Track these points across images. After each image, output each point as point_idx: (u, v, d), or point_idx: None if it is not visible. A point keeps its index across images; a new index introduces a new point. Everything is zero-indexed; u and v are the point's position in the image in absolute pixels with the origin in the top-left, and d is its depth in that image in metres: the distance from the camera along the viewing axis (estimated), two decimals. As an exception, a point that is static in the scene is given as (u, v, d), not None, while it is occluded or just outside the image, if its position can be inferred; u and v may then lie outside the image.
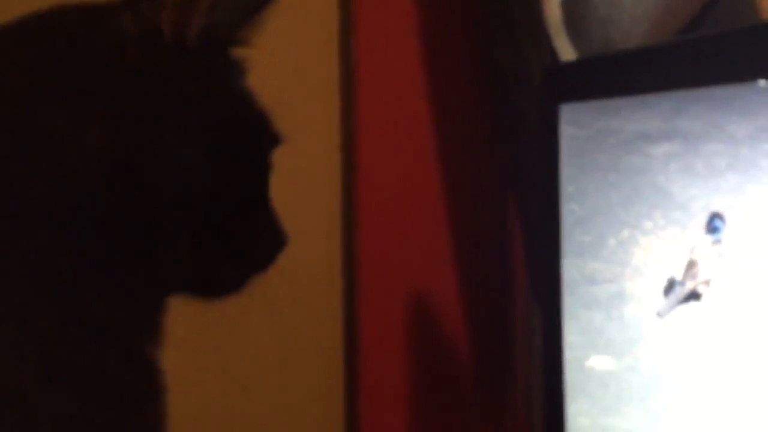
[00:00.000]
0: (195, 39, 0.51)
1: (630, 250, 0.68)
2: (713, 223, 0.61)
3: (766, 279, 0.58)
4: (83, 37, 0.50)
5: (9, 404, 0.45)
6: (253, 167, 0.55)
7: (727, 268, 0.61)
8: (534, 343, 1.08)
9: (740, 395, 0.60)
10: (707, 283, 0.62)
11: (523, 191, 1.02)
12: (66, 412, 0.47)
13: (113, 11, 0.51)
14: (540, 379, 1.02)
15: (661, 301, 0.65)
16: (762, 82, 0.58)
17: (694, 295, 0.63)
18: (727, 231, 0.61)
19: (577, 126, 0.72)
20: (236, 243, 0.54)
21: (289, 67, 0.94)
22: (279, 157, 0.56)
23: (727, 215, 0.61)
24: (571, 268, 0.73)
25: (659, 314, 0.65)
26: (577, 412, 0.72)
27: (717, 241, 0.61)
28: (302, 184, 0.96)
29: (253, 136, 0.54)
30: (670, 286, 0.65)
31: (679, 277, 0.64)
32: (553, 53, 0.91)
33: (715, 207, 0.62)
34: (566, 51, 0.91)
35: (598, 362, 0.70)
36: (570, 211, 0.73)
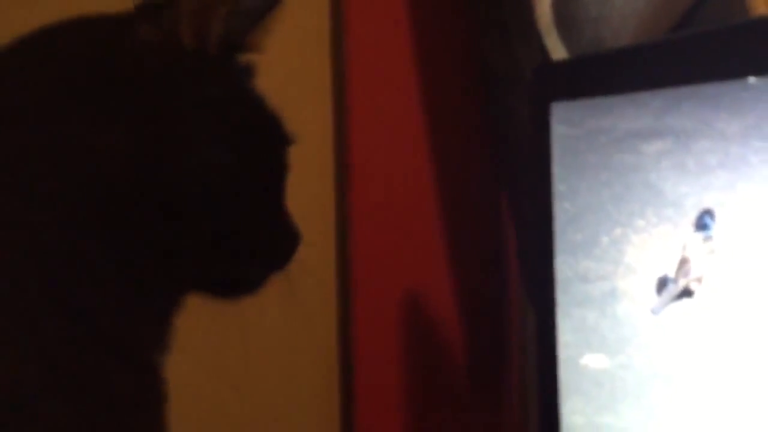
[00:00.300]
0: (214, 46, 0.52)
1: (622, 248, 0.68)
2: (703, 220, 0.62)
3: (758, 275, 0.58)
4: (105, 49, 0.51)
5: (12, 412, 0.45)
6: (272, 167, 0.56)
7: (719, 264, 0.61)
8: (528, 342, 1.08)
9: (735, 392, 0.60)
10: (699, 280, 0.62)
11: (515, 190, 1.02)
12: (68, 420, 0.47)
13: (131, 22, 0.52)
14: (534, 378, 1.02)
15: (654, 299, 0.65)
16: (752, 79, 0.58)
17: (686, 293, 0.63)
18: (718, 228, 0.61)
19: (568, 125, 0.72)
20: (255, 242, 0.55)
21: (282, 68, 0.94)
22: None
23: (718, 212, 0.61)
24: (563, 267, 0.73)
25: (652, 312, 0.66)
26: (572, 411, 0.72)
27: (708, 238, 0.62)
28: (296, 185, 0.96)
29: (270, 137, 0.56)
30: (663, 283, 0.65)
31: (671, 274, 0.64)
32: (544, 52, 0.92)
33: (707, 204, 0.62)
34: (557, 50, 0.91)
35: (592, 360, 0.70)
36: (562, 209, 0.73)
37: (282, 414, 0.98)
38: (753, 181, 0.59)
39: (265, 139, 0.55)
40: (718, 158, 0.61)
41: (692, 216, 0.62)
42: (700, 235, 0.62)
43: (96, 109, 0.50)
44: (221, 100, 0.53)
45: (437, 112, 1.06)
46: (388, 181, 1.03)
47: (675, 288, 0.64)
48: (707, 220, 0.61)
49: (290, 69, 0.96)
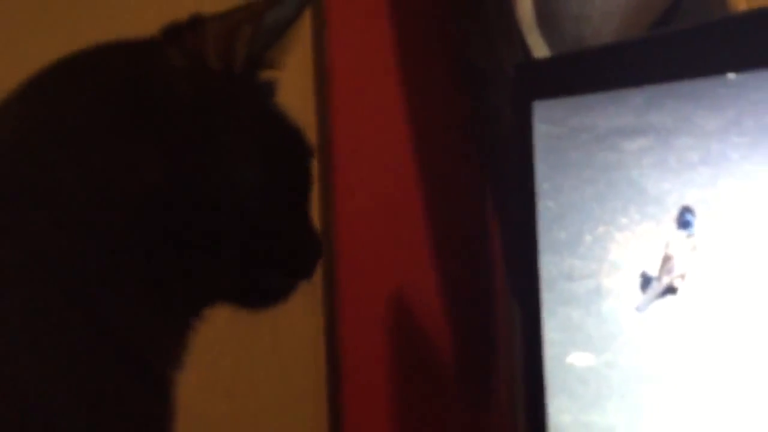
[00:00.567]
0: (239, 66, 0.53)
1: (606, 246, 0.68)
2: (684, 217, 0.62)
3: (741, 271, 0.59)
4: (134, 75, 0.52)
5: (26, 422, 0.45)
6: (299, 179, 0.57)
7: (702, 261, 0.61)
8: (516, 341, 1.08)
9: (719, 387, 0.60)
10: (683, 277, 0.62)
11: (500, 189, 1.02)
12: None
13: (157, 47, 0.53)
14: (522, 377, 1.02)
15: (639, 297, 0.65)
16: (731, 76, 0.58)
17: (670, 290, 0.63)
18: (700, 224, 0.61)
19: (550, 123, 0.72)
20: (285, 253, 0.56)
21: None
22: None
23: (700, 208, 0.61)
24: (548, 266, 0.73)
25: (637, 309, 0.65)
26: (559, 410, 0.72)
27: (690, 235, 0.62)
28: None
29: (295, 150, 0.57)
30: (647, 281, 0.65)
31: (655, 272, 0.64)
32: (526, 50, 0.92)
33: (688, 201, 0.62)
34: (539, 48, 0.91)
35: (577, 359, 0.70)
36: (546, 208, 0.73)
37: (271, 415, 0.98)
38: (734, 177, 0.59)
39: (291, 153, 0.56)
40: (699, 155, 0.61)
41: (674, 213, 0.63)
42: (683, 232, 0.62)
43: (129, 133, 0.51)
44: (248, 119, 0.54)
45: (421, 111, 1.06)
46: (373, 180, 1.03)
47: (659, 285, 0.64)
48: (688, 217, 0.61)
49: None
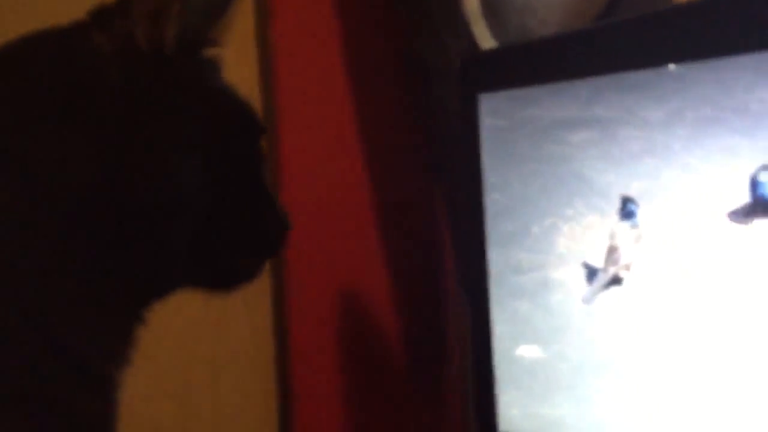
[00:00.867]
0: (171, 46, 0.51)
1: (553, 239, 0.68)
2: (627, 208, 0.62)
3: (684, 260, 0.59)
4: (61, 62, 0.51)
5: None
6: (249, 158, 0.56)
7: (646, 251, 0.61)
8: (467, 336, 1.08)
9: (667, 376, 0.60)
10: (628, 267, 0.63)
11: (448, 183, 1.02)
12: None
13: (84, 32, 0.51)
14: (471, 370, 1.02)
15: (585, 288, 0.66)
16: (672, 66, 0.58)
17: (616, 280, 0.63)
18: (643, 215, 0.61)
19: (496, 116, 0.72)
20: (244, 233, 0.55)
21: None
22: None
23: (643, 199, 0.62)
24: (496, 259, 0.73)
25: (584, 301, 0.66)
26: (508, 403, 0.72)
27: (634, 226, 0.62)
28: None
29: (243, 129, 0.55)
30: (593, 272, 0.65)
31: (600, 263, 0.64)
32: (472, 42, 0.91)
33: (632, 192, 0.62)
34: (485, 39, 0.91)
35: (526, 351, 0.70)
36: (493, 201, 0.73)
37: (220, 416, 0.97)
38: (676, 167, 0.59)
39: (240, 130, 0.55)
40: (642, 146, 0.61)
41: (618, 204, 0.63)
42: (626, 223, 0.62)
43: (61, 125, 0.49)
44: (187, 99, 0.52)
45: (368, 105, 1.05)
46: (319, 177, 1.02)
47: (605, 276, 0.64)
48: (631, 207, 0.62)
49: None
